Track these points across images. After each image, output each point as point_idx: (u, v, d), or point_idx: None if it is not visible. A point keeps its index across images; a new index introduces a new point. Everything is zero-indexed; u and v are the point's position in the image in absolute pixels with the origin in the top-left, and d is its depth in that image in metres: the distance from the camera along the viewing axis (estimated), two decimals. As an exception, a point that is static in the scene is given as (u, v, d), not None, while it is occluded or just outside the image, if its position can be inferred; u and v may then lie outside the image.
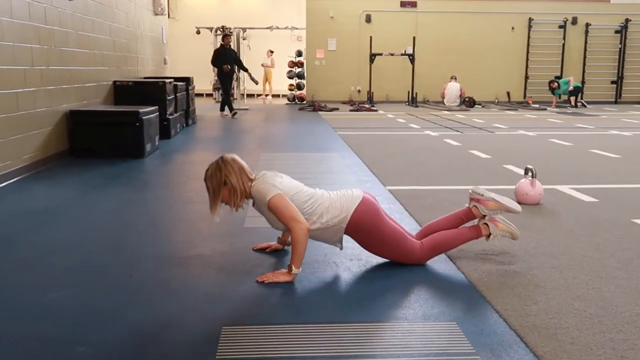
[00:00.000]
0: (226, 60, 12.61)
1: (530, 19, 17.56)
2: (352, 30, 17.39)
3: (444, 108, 15.36)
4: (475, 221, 3.45)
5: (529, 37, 17.68)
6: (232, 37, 13.91)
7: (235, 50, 14.39)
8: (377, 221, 3.17)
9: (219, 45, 13.83)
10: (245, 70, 13.16)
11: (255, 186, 3.09)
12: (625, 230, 3.93)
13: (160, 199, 5.03)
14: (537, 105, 15.95)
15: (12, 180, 5.43)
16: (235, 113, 12.87)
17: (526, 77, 17.88)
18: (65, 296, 2.81)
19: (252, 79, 13.22)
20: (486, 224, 3.39)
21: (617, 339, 2.36)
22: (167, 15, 13.30)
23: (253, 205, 3.23)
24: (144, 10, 10.90)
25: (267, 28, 18.82)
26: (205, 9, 21.12)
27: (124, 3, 9.37)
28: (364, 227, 3.15)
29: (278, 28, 18.87)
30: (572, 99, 15.96)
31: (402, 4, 17.52)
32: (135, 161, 6.69)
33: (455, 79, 16.27)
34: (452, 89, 16.07)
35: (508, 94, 17.68)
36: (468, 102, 15.77)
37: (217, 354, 2.24)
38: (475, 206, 3.43)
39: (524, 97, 17.72)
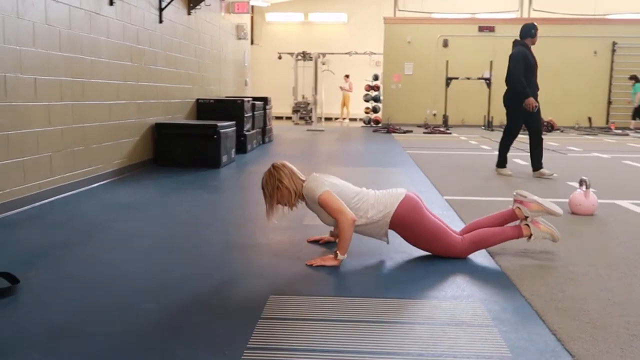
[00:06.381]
0: (533, 74, 7.18)
1: (614, 43, 17.17)
2: (429, 54, 17.62)
3: (521, 132, 15.21)
4: (518, 222, 3.64)
5: (612, 61, 17.27)
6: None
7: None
8: (419, 217, 3.42)
9: (518, 49, 7.13)
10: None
11: (306, 186, 3.43)
12: (674, 239, 3.97)
13: (230, 201, 5.48)
14: (619, 131, 15.51)
15: (103, 182, 6.05)
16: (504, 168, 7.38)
17: (609, 103, 17.43)
18: (139, 269, 3.25)
19: None
20: (528, 225, 3.57)
21: (634, 322, 2.51)
22: (250, 41, 14.07)
23: (306, 204, 3.56)
24: (228, 34, 11.64)
25: (347, 53, 19.37)
26: (287, 36, 22.04)
27: (209, 27, 10.10)
28: (407, 222, 3.42)
29: (357, 53, 19.37)
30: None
31: (481, 29, 17.61)
32: (212, 170, 7.22)
33: None
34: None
35: (589, 119, 17.28)
36: (546, 127, 15.55)
37: (263, 314, 2.58)
38: (519, 207, 3.62)
39: (607, 123, 17.26)
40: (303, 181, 3.48)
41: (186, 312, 2.61)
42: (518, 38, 7.28)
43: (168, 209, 4.97)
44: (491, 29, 17.53)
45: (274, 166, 3.51)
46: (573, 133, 15.35)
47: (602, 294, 2.86)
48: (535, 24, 7.39)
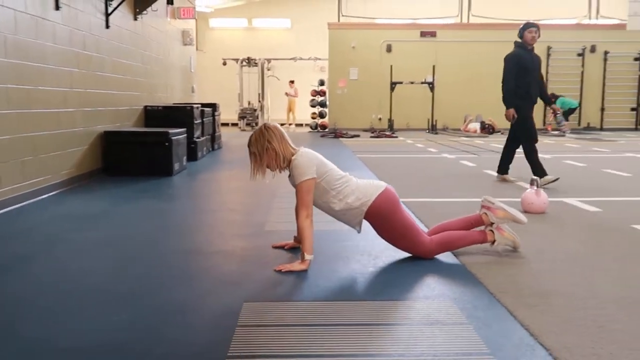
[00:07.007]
0: (531, 76, 6.81)
1: (548, 47, 17.85)
2: (373, 59, 17.86)
3: (463, 135, 15.64)
4: (483, 227, 3.73)
5: (547, 65, 17.94)
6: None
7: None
8: (394, 210, 3.48)
9: (513, 51, 6.93)
10: (549, 102, 7.48)
11: (297, 159, 3.42)
12: (623, 234, 4.17)
13: (187, 209, 5.39)
14: (556, 132, 16.14)
15: (52, 193, 5.84)
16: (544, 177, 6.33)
17: (545, 105, 18.05)
18: (108, 279, 3.16)
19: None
20: (492, 231, 3.67)
21: (599, 314, 2.62)
22: (195, 47, 13.89)
23: (289, 177, 3.55)
24: (174, 40, 11.47)
25: (291, 59, 19.41)
26: (231, 41, 21.91)
27: (156, 33, 9.92)
28: (383, 214, 3.46)
29: (302, 59, 19.44)
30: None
31: (422, 34, 17.98)
32: (164, 179, 7.09)
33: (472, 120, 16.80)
34: (473, 125, 16.49)
35: (528, 121, 17.86)
36: (487, 129, 16.02)
37: (239, 321, 2.55)
38: (486, 213, 3.72)
39: (544, 125, 17.90)
40: (294, 150, 3.48)
41: (161, 322, 2.55)
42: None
43: (125, 218, 4.85)
44: (433, 34, 17.93)
45: (265, 126, 3.51)
46: (513, 135, 15.86)
47: (565, 289, 2.97)
48: (529, 22, 6.95)
